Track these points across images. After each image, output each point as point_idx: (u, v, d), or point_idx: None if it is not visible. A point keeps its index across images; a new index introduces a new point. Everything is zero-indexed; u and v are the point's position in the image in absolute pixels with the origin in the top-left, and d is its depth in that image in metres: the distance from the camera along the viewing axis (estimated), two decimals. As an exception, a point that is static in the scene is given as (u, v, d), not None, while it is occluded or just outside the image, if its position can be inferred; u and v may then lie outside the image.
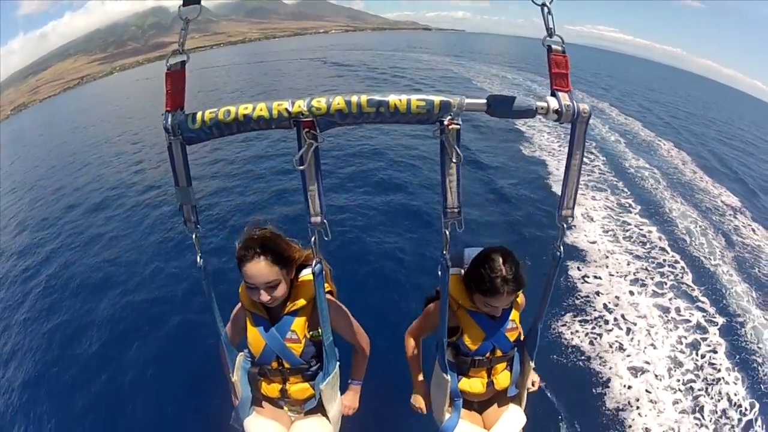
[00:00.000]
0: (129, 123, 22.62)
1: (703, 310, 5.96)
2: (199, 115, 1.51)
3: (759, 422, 4.47)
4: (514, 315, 2.22)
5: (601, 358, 5.03)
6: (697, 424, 4.38)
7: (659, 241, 7.82)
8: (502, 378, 2.29)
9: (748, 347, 5.46)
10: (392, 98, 1.46)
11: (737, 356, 5.27)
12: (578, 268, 6.63)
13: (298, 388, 2.22)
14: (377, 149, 12.31)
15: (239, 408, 2.23)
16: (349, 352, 2.41)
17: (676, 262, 7.09)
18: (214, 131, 1.53)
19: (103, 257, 7.77)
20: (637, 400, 4.52)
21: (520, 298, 2.28)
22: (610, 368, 4.89)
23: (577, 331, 5.39)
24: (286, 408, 2.34)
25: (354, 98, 1.46)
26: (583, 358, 5.06)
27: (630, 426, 4.29)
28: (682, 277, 6.67)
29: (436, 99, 1.46)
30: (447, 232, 1.70)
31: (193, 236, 1.80)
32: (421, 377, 2.43)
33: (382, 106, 1.46)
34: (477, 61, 43.16)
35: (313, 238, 1.76)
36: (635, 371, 4.88)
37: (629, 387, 4.67)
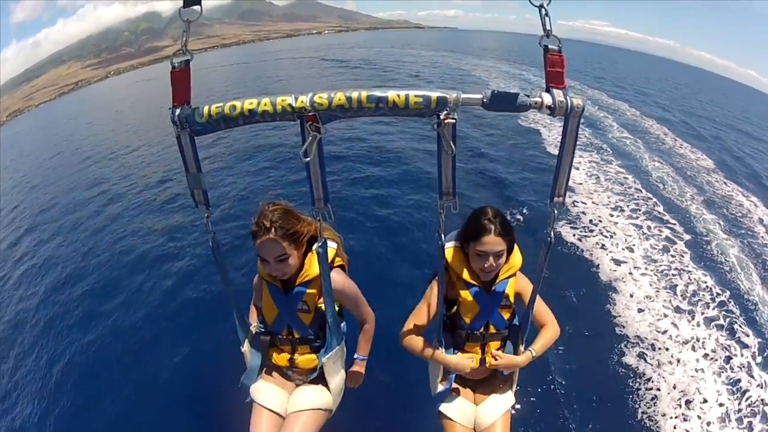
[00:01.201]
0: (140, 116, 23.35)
1: (672, 229, 7.18)
2: (205, 110, 1.61)
3: (732, 303, 5.56)
4: (509, 292, 2.30)
5: (589, 251, 6.29)
6: (670, 297, 5.61)
7: (635, 184, 9.10)
8: None
9: (715, 258, 6.65)
10: (391, 94, 1.54)
11: (703, 263, 6.47)
12: (568, 196, 7.79)
13: (305, 359, 2.36)
14: (379, 136, 12.27)
15: (247, 374, 2.38)
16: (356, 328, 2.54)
17: (650, 198, 8.37)
18: (221, 124, 1.63)
19: (115, 236, 7.92)
20: (623, 278, 5.79)
21: (520, 280, 2.33)
22: (597, 258, 6.15)
23: (568, 232, 6.67)
24: (293, 379, 2.47)
25: (354, 94, 1.54)
26: (576, 250, 6.36)
27: (618, 292, 5.59)
28: (654, 207, 7.92)
29: (433, 95, 1.53)
30: (442, 214, 1.82)
31: (205, 217, 1.92)
32: (436, 353, 2.31)
33: (381, 102, 1.54)
34: (472, 55, 44.25)
35: (317, 221, 1.91)
36: (617, 262, 6.15)
37: (614, 270, 5.95)
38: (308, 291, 2.22)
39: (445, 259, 2.20)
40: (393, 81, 22.80)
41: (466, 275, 2.24)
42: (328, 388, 2.35)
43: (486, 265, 2.13)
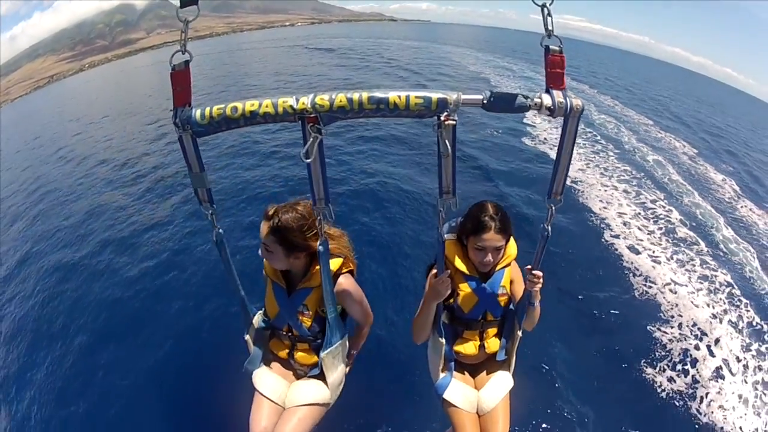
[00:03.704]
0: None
1: (630, 173, 10.86)
2: (207, 111, 1.62)
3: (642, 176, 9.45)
4: (506, 281, 2.41)
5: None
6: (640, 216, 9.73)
7: (594, 136, 13.39)
8: (493, 342, 2.50)
9: (636, 161, 11.04)
10: (392, 95, 1.56)
11: (624, 161, 10.92)
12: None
13: (304, 355, 2.44)
14: (381, 134, 12.09)
15: (251, 359, 2.46)
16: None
17: (590, 131, 12.94)
18: (222, 125, 1.64)
19: (119, 227, 7.75)
20: (609, 201, 9.04)
21: (514, 269, 2.46)
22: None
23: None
24: (295, 368, 2.54)
25: (356, 95, 1.56)
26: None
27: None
28: (593, 136, 12.44)
29: (434, 96, 1.56)
30: (442, 211, 1.87)
31: (209, 213, 1.94)
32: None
33: (382, 103, 1.57)
34: (453, 45, 47.59)
35: (318, 219, 1.96)
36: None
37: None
38: (310, 295, 2.29)
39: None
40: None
41: (463, 267, 2.34)
42: (326, 383, 2.40)
43: (485, 260, 2.26)
